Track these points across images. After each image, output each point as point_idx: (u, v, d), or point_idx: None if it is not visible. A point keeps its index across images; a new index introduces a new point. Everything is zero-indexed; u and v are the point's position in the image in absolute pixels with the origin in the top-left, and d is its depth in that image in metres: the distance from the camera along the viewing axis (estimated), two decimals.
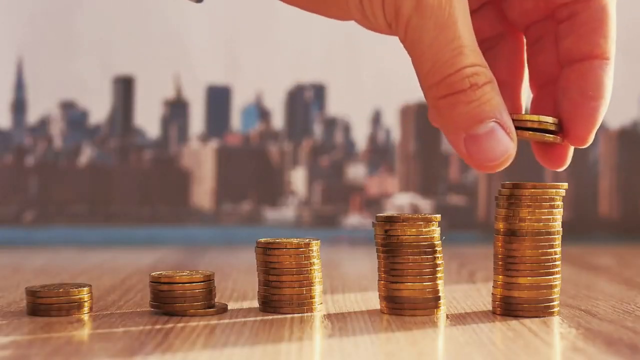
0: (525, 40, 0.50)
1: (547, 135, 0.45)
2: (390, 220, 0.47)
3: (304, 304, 0.48)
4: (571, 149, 0.48)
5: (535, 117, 0.45)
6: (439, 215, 0.47)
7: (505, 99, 0.46)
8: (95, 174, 1.04)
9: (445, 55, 0.42)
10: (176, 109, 1.05)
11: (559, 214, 0.46)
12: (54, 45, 1.01)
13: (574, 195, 1.03)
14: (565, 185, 0.46)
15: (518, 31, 0.50)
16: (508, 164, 0.43)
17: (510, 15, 0.50)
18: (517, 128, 0.43)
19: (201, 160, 1.05)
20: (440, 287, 0.47)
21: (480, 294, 0.54)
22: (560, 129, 0.45)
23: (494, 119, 0.42)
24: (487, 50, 0.50)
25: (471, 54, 0.42)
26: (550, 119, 0.45)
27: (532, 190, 0.45)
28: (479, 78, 0.42)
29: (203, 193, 1.05)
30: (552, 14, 0.48)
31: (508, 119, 0.43)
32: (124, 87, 1.03)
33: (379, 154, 1.06)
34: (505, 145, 0.42)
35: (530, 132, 0.44)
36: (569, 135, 0.46)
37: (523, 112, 0.50)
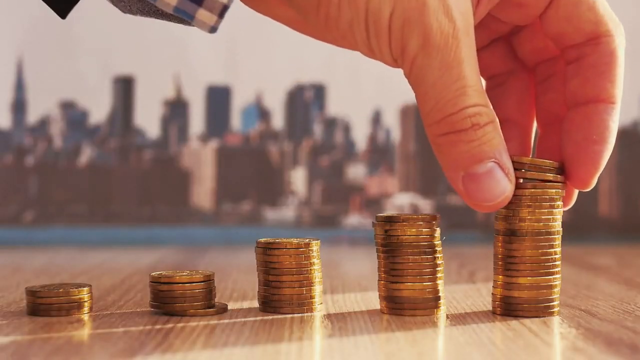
0: (534, 78, 0.50)
1: (547, 175, 0.45)
2: (390, 220, 0.47)
3: (304, 304, 0.48)
4: (574, 193, 0.48)
5: (536, 161, 0.45)
6: (439, 215, 0.47)
7: (514, 136, 0.47)
8: (95, 174, 1.04)
9: (449, 95, 0.42)
10: (176, 109, 1.05)
11: (559, 214, 0.46)
12: (54, 45, 1.01)
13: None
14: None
15: (528, 69, 0.50)
16: (505, 204, 0.44)
17: (520, 53, 0.50)
18: (516, 169, 0.44)
19: (201, 160, 1.05)
20: (440, 287, 0.47)
21: (480, 294, 0.54)
22: (561, 172, 0.46)
23: (493, 159, 0.42)
24: (496, 86, 0.50)
25: (475, 94, 0.42)
26: (549, 163, 0.45)
27: (532, 190, 0.45)
28: (481, 118, 0.42)
29: (203, 193, 1.05)
30: (561, 54, 0.48)
31: (507, 160, 0.43)
32: (124, 87, 1.03)
33: (379, 154, 1.06)
34: (503, 186, 0.43)
35: (530, 173, 0.45)
36: (572, 178, 0.46)
37: (531, 149, 0.50)
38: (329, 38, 0.44)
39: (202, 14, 0.42)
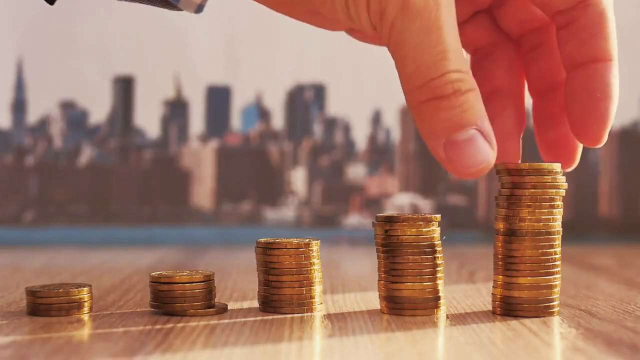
0: (521, 48, 0.50)
1: (545, 179, 0.46)
2: (390, 220, 0.47)
3: (304, 304, 0.48)
4: (580, 147, 0.48)
5: (534, 165, 0.45)
6: (439, 215, 0.47)
7: (507, 106, 0.47)
8: (95, 174, 1.04)
9: (429, 59, 0.41)
10: (176, 109, 1.05)
11: (559, 214, 0.46)
12: (54, 45, 1.01)
13: (574, 195, 1.03)
14: (565, 185, 0.46)
15: (512, 40, 0.50)
16: (487, 172, 0.44)
17: (504, 25, 0.50)
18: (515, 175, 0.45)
19: (201, 160, 1.05)
20: (440, 287, 0.47)
21: (480, 294, 0.54)
22: (558, 171, 0.46)
23: (475, 127, 0.42)
24: (483, 59, 0.50)
25: (455, 60, 0.42)
26: (547, 166, 0.46)
27: (532, 190, 0.45)
28: (463, 84, 0.42)
29: (203, 193, 1.05)
30: (548, 23, 0.49)
31: (489, 127, 0.43)
32: (124, 87, 1.03)
33: (379, 154, 1.06)
34: (485, 153, 0.43)
35: (530, 177, 0.45)
36: (582, 137, 0.47)
37: (525, 118, 0.51)
38: (309, 4, 0.44)
39: None
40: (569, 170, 0.48)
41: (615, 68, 0.47)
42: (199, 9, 0.42)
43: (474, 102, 0.42)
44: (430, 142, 0.43)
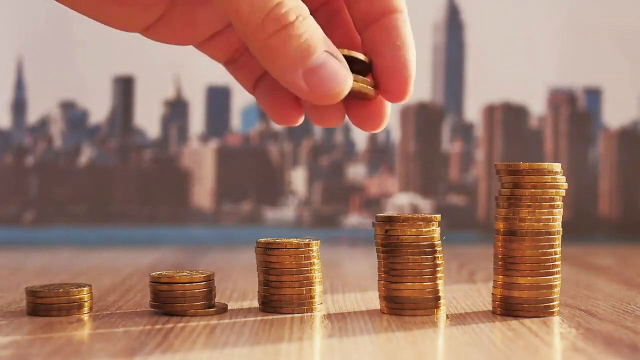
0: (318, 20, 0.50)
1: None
2: (390, 220, 0.47)
3: (304, 304, 0.48)
4: (388, 107, 0.48)
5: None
6: (439, 215, 0.47)
7: None
8: (95, 174, 1.04)
9: None
10: (176, 109, 1.05)
11: (559, 214, 0.46)
12: (54, 45, 1.01)
13: (574, 195, 1.03)
14: (565, 185, 0.46)
15: None
16: (349, 89, 0.43)
17: None
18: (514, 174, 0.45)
19: (201, 160, 1.05)
20: (440, 287, 0.47)
21: (480, 294, 0.54)
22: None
23: (324, 49, 0.42)
24: None
25: None
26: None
27: (532, 190, 0.45)
28: (301, 10, 0.42)
29: (203, 193, 1.05)
30: None
31: (335, 48, 0.43)
32: (124, 87, 1.03)
33: (379, 154, 1.06)
34: (343, 72, 0.43)
35: (530, 177, 0.45)
36: (388, 90, 0.46)
37: None
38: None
39: None
40: (377, 131, 0.48)
41: (407, 19, 0.47)
42: None
43: (316, 26, 0.42)
44: (287, 76, 0.42)
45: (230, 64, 0.52)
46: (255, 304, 0.50)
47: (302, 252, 0.48)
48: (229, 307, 0.49)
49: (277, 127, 1.06)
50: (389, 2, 0.47)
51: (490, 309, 0.48)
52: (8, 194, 1.02)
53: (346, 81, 0.43)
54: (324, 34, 0.43)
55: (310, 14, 0.49)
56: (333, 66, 0.42)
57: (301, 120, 0.51)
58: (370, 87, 0.46)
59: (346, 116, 0.49)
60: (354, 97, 0.46)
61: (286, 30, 0.42)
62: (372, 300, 0.52)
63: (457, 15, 1.05)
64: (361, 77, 0.45)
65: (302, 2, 0.42)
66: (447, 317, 0.46)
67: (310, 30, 0.42)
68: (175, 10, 0.48)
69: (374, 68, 0.46)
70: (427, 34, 1.04)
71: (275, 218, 1.05)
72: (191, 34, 0.50)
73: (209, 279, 0.48)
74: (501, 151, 1.05)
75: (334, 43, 0.47)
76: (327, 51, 0.42)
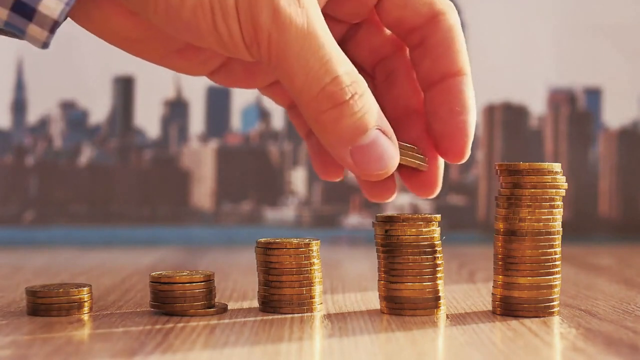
0: (374, 80, 0.51)
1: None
2: (390, 220, 0.47)
3: (304, 304, 0.48)
4: (440, 175, 0.49)
5: (534, 165, 0.45)
6: (439, 215, 0.47)
7: None
8: (95, 174, 1.04)
9: (317, 64, 0.41)
10: (176, 109, 1.05)
11: (559, 214, 0.46)
12: (54, 45, 1.01)
13: (574, 195, 1.03)
14: (565, 185, 0.46)
15: (367, 74, 0.51)
16: (394, 169, 0.44)
17: (356, 56, 0.50)
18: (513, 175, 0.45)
19: (201, 160, 1.05)
20: (440, 287, 0.47)
21: (480, 294, 0.54)
22: (558, 171, 0.46)
23: (376, 127, 0.42)
24: None
25: (342, 61, 0.41)
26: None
27: (532, 190, 0.45)
28: (357, 87, 0.42)
29: (203, 193, 1.05)
30: (398, 49, 0.49)
31: (387, 124, 0.43)
32: (124, 87, 1.03)
33: None
34: (391, 151, 0.43)
35: (530, 177, 0.45)
36: (446, 152, 0.47)
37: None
38: (173, 32, 0.42)
39: (33, 29, 0.40)
40: (430, 198, 0.49)
41: (470, 82, 0.47)
42: (44, 45, 0.42)
43: (371, 102, 0.42)
44: (336, 151, 0.43)
45: (290, 109, 0.52)
46: (255, 304, 0.50)
47: (302, 252, 0.48)
48: (229, 307, 0.49)
49: (277, 127, 1.06)
50: (452, 64, 0.47)
51: (490, 309, 0.48)
52: (8, 194, 1.02)
53: (392, 160, 0.43)
54: (378, 110, 0.42)
55: (372, 70, 0.50)
56: (382, 145, 0.42)
57: (342, 177, 0.52)
58: (420, 162, 0.47)
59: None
60: (407, 168, 0.47)
61: (339, 108, 0.41)
62: (372, 300, 0.52)
63: (458, 14, 1.05)
64: (412, 149, 0.46)
65: (360, 77, 0.42)
66: (447, 317, 0.46)
67: (364, 108, 0.42)
68: (234, 62, 0.48)
69: (433, 130, 0.47)
70: None
71: (275, 218, 1.05)
72: (252, 82, 0.50)
73: (209, 279, 0.48)
74: (501, 151, 1.05)
75: (391, 99, 0.48)
76: (378, 128, 0.42)
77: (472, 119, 0.47)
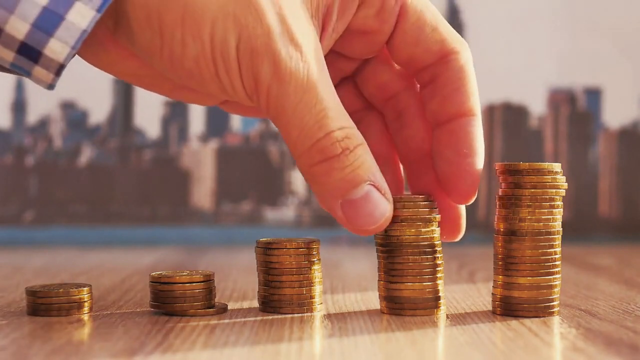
0: (384, 117, 0.51)
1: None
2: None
3: (304, 304, 0.48)
4: (463, 218, 0.49)
5: (534, 165, 0.45)
6: (439, 216, 0.47)
7: (385, 172, 0.46)
8: (95, 174, 1.04)
9: (311, 120, 0.41)
10: (176, 109, 1.05)
11: (559, 214, 0.46)
12: None
13: (574, 195, 1.03)
14: (565, 185, 0.46)
15: (377, 110, 0.50)
16: (387, 225, 0.44)
17: (366, 93, 0.50)
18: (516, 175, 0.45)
19: (201, 160, 1.05)
20: (440, 287, 0.47)
21: (480, 294, 0.54)
22: (558, 171, 0.46)
23: (368, 182, 0.42)
24: (357, 123, 0.50)
25: (337, 116, 0.41)
26: (546, 165, 0.46)
27: (532, 190, 0.45)
28: (350, 142, 0.42)
29: (203, 193, 1.05)
30: (412, 82, 0.49)
31: (382, 180, 0.43)
32: (124, 87, 1.03)
33: None
34: (382, 207, 0.43)
35: (530, 177, 0.45)
36: (453, 194, 0.47)
37: (403, 182, 0.51)
38: (176, 78, 0.43)
39: (39, 71, 0.40)
40: (456, 240, 0.48)
41: (479, 123, 0.47)
42: (50, 87, 0.42)
43: (365, 157, 0.42)
44: (326, 203, 0.43)
45: None
46: (255, 304, 0.50)
47: (302, 252, 0.48)
48: (229, 307, 0.49)
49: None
50: (462, 105, 0.47)
51: (490, 309, 0.48)
52: (8, 194, 1.02)
53: (384, 216, 0.43)
54: (372, 165, 0.42)
55: (380, 107, 0.50)
56: (374, 200, 0.42)
57: None
58: (428, 214, 0.46)
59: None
60: None
61: (330, 162, 0.42)
62: (372, 300, 0.52)
63: (457, 15, 1.05)
64: (419, 199, 0.46)
65: (355, 132, 0.42)
66: (447, 317, 0.46)
67: (356, 163, 0.42)
68: None
69: (439, 170, 0.46)
70: None
71: (275, 218, 1.05)
72: (260, 113, 0.50)
73: (209, 279, 0.48)
74: (501, 151, 1.05)
75: (404, 141, 0.48)
76: (371, 184, 0.42)
77: (480, 162, 0.47)
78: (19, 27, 0.39)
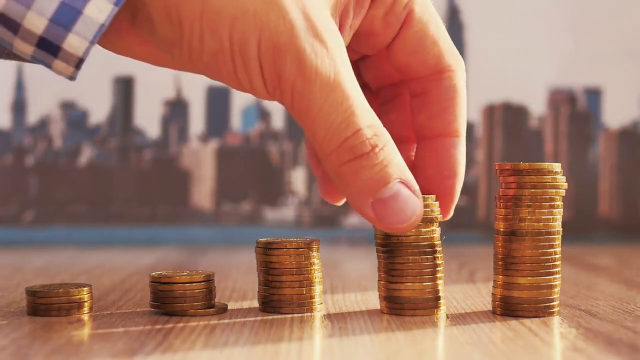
0: (378, 99, 0.51)
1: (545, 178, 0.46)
2: None
3: (304, 304, 0.48)
4: (455, 196, 0.49)
5: (535, 165, 0.45)
6: (439, 216, 0.47)
7: None
8: (95, 174, 1.04)
9: (339, 118, 0.40)
10: (176, 109, 1.05)
11: (559, 214, 0.46)
12: None
13: (574, 195, 1.03)
14: (565, 185, 0.46)
15: (371, 92, 0.51)
16: (418, 222, 0.43)
17: (365, 77, 0.50)
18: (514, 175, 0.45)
19: (201, 160, 1.05)
20: (440, 287, 0.47)
21: (480, 294, 0.54)
22: (558, 171, 0.46)
23: (398, 179, 0.42)
24: None
25: (365, 114, 0.41)
26: (547, 166, 0.46)
27: (532, 190, 0.45)
28: (379, 139, 0.41)
29: (203, 193, 1.05)
30: (406, 85, 0.49)
31: (411, 176, 0.43)
32: (124, 87, 1.03)
33: None
34: (413, 204, 0.42)
35: (530, 177, 0.45)
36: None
37: None
38: (196, 70, 0.43)
39: (59, 64, 0.40)
40: (445, 219, 0.49)
41: (462, 145, 0.47)
42: (70, 79, 0.42)
43: (394, 154, 0.42)
44: (356, 203, 0.42)
45: None
46: (255, 304, 0.50)
47: (302, 252, 0.48)
48: (229, 307, 0.49)
49: (277, 127, 1.06)
50: (449, 125, 0.47)
51: (490, 309, 0.48)
52: (8, 194, 1.02)
53: (415, 213, 0.42)
54: (401, 163, 0.42)
55: (376, 91, 0.50)
56: (404, 197, 0.42)
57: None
58: (436, 215, 0.46)
59: None
60: None
61: (359, 160, 0.41)
62: (372, 300, 0.52)
63: (457, 15, 1.05)
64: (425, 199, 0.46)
65: (383, 130, 0.42)
66: (447, 317, 0.46)
67: (385, 160, 0.41)
68: None
69: (420, 185, 0.45)
70: None
71: (275, 218, 1.05)
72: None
73: (209, 279, 0.48)
74: (501, 151, 1.05)
75: (385, 124, 0.48)
76: (401, 181, 0.42)
77: (459, 184, 0.47)
78: (37, 23, 0.39)
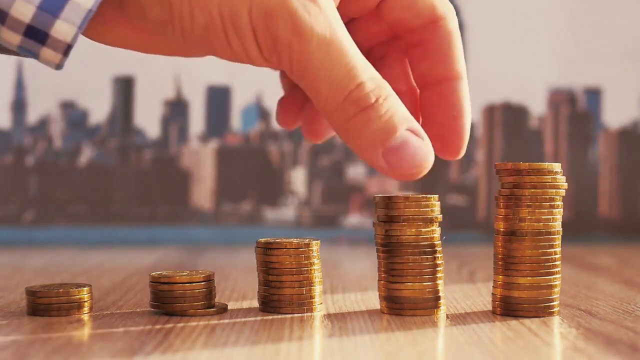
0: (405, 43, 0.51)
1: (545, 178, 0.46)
2: (390, 220, 0.47)
3: (304, 304, 0.48)
4: (466, 137, 0.49)
5: (535, 165, 0.46)
6: (440, 216, 0.47)
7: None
8: (95, 174, 1.04)
9: (341, 72, 0.41)
10: (176, 109, 1.05)
11: (559, 214, 0.46)
12: None
13: (574, 195, 1.03)
14: (565, 185, 0.46)
15: (397, 35, 0.51)
16: (430, 167, 0.43)
17: (390, 18, 0.50)
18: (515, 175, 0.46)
19: (201, 160, 1.05)
20: (440, 287, 0.47)
21: (480, 294, 0.54)
22: (558, 171, 0.46)
23: (406, 127, 0.42)
24: (377, 60, 0.51)
25: (365, 68, 0.42)
26: (546, 165, 0.46)
27: (532, 190, 0.45)
28: (382, 90, 0.42)
29: (203, 193, 1.05)
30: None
31: (417, 125, 0.43)
32: (124, 87, 1.03)
33: None
34: (423, 150, 0.42)
35: (530, 177, 0.46)
36: (444, 152, 0.48)
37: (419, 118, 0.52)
38: (189, 52, 0.43)
39: (46, 52, 0.40)
40: (457, 159, 0.49)
41: (465, 85, 0.48)
42: (58, 67, 0.42)
43: (398, 105, 0.42)
44: (367, 155, 0.43)
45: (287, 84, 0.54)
46: (255, 304, 0.50)
47: (302, 252, 0.48)
48: (229, 307, 0.49)
49: (277, 127, 1.06)
50: (450, 69, 0.48)
51: (490, 309, 0.48)
52: (8, 194, 1.02)
53: (427, 159, 0.42)
54: (406, 112, 0.42)
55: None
56: (413, 145, 0.42)
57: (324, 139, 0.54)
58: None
59: None
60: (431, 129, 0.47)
61: (366, 112, 0.41)
62: (372, 300, 0.52)
63: (457, 15, 1.05)
64: None
65: (383, 81, 0.42)
66: (447, 317, 0.46)
67: (390, 110, 0.42)
68: None
69: (430, 132, 0.46)
70: None
71: (275, 218, 1.05)
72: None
73: (209, 279, 0.48)
74: (501, 151, 1.05)
75: (420, 68, 0.49)
76: (408, 129, 0.42)
77: (468, 122, 0.48)
78: (24, 11, 0.39)
